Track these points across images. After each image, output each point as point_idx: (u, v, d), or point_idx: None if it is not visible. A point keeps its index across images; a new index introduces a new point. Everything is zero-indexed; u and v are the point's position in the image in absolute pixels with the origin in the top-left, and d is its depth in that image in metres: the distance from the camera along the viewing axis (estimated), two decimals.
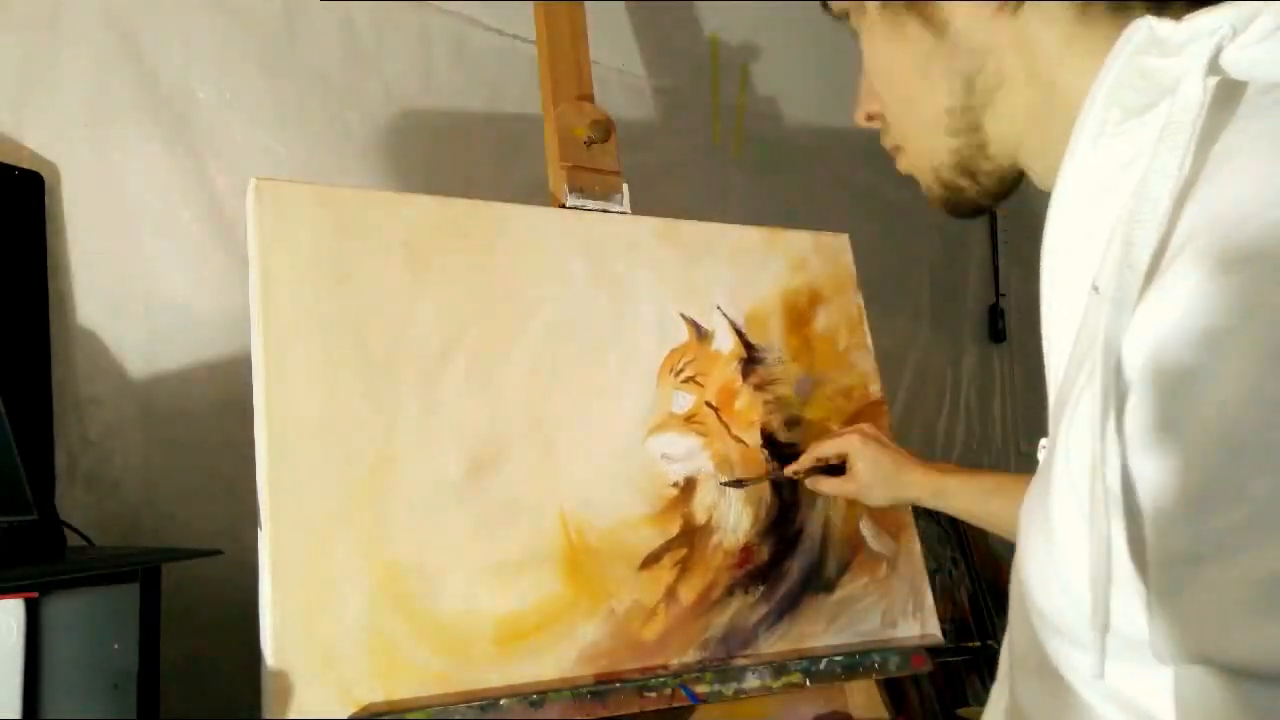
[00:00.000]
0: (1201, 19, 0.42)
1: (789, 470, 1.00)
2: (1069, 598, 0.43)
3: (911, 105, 0.57)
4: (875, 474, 0.95)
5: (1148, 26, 0.42)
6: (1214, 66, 0.41)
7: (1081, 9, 0.49)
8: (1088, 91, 0.45)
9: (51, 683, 0.68)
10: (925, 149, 0.57)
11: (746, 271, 1.08)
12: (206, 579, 0.93)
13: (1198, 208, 0.39)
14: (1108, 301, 0.39)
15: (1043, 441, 0.57)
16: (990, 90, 0.52)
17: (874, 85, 0.59)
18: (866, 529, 1.06)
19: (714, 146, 1.70)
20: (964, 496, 0.91)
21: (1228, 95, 0.42)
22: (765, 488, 1.01)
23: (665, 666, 0.90)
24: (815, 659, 0.97)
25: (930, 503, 0.94)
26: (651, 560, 0.92)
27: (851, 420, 1.09)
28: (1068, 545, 0.43)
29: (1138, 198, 0.41)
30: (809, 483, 1.00)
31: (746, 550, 0.98)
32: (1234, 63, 0.41)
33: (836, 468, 0.98)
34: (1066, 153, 0.46)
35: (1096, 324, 0.40)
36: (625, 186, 1.05)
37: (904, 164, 0.61)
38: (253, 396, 0.80)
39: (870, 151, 0.62)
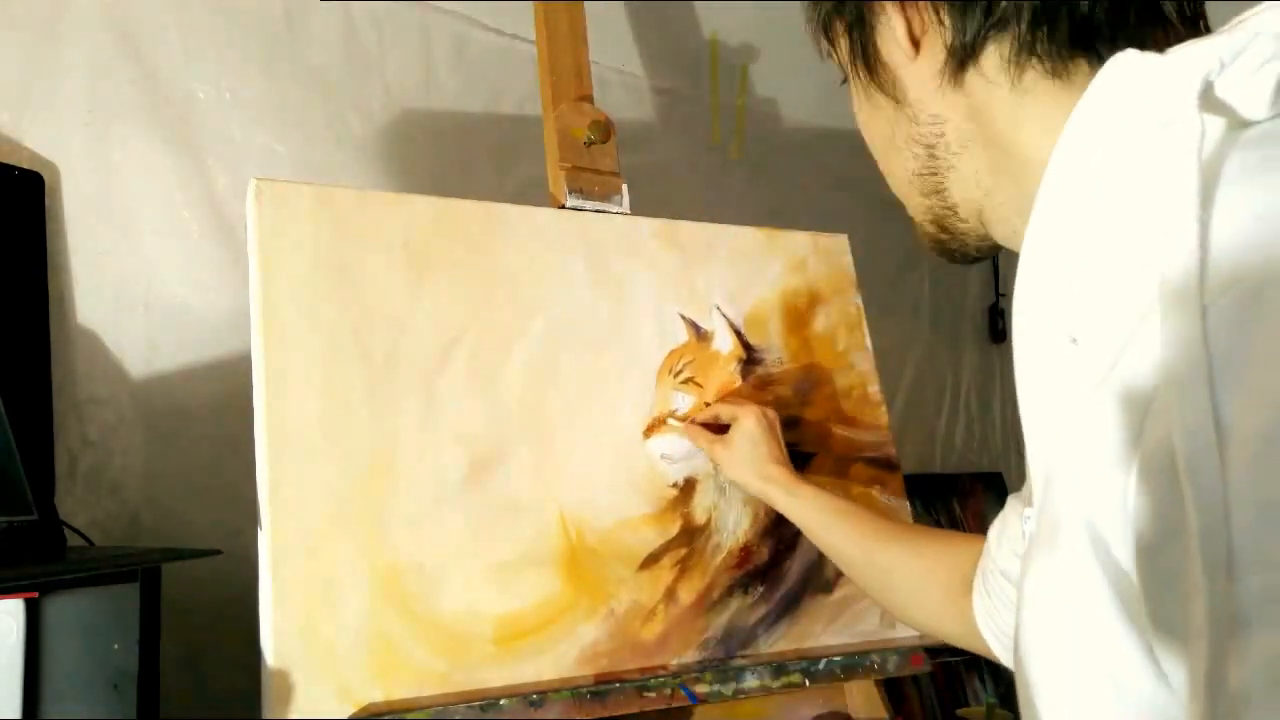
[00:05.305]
0: (1188, 49, 0.40)
1: (679, 415, 0.99)
2: None
3: (888, 167, 0.59)
4: (746, 451, 0.93)
5: (1124, 62, 0.41)
6: (1209, 101, 0.39)
7: (1018, 74, 0.48)
8: (1042, 156, 0.45)
9: (51, 683, 0.68)
10: (909, 206, 0.59)
11: (746, 272, 1.08)
12: (206, 579, 0.93)
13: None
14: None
15: (1027, 511, 0.54)
16: (951, 156, 0.53)
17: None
18: None
19: (714, 146, 1.70)
20: (813, 509, 0.88)
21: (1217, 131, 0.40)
22: None
23: (665, 667, 0.90)
24: (815, 659, 0.97)
25: (782, 503, 0.90)
26: (651, 560, 0.93)
27: (850, 421, 1.09)
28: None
29: (1143, 239, 0.38)
30: (686, 428, 0.98)
31: (746, 550, 0.98)
32: (1227, 99, 0.39)
33: (723, 429, 0.97)
34: (1039, 201, 0.45)
35: (1079, 375, 0.39)
36: (625, 187, 1.05)
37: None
38: (253, 396, 0.80)
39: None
